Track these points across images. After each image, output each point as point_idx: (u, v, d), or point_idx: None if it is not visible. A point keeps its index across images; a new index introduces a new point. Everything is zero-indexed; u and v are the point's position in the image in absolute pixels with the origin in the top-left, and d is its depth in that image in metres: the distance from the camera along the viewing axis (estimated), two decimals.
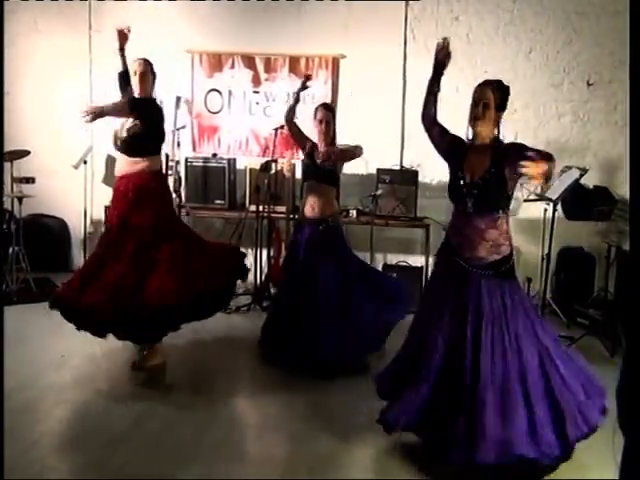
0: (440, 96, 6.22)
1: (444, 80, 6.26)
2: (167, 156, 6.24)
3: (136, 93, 4.24)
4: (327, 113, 4.58)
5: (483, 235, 3.13)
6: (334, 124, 4.68)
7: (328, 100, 6.38)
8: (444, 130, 3.39)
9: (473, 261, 3.13)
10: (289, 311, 4.50)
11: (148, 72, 4.24)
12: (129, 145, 4.19)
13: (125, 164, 4.22)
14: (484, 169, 3.13)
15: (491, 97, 3.17)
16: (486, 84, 3.22)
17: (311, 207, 4.56)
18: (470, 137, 3.28)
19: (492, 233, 3.14)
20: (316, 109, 4.63)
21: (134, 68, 4.22)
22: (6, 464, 2.97)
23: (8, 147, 5.94)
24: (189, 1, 6.58)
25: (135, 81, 4.22)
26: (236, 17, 6.56)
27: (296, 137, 4.77)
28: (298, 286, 4.51)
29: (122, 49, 4.29)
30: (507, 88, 3.26)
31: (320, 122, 4.55)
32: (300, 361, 4.34)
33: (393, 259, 6.44)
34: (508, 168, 3.10)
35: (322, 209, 4.55)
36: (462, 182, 3.14)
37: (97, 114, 3.94)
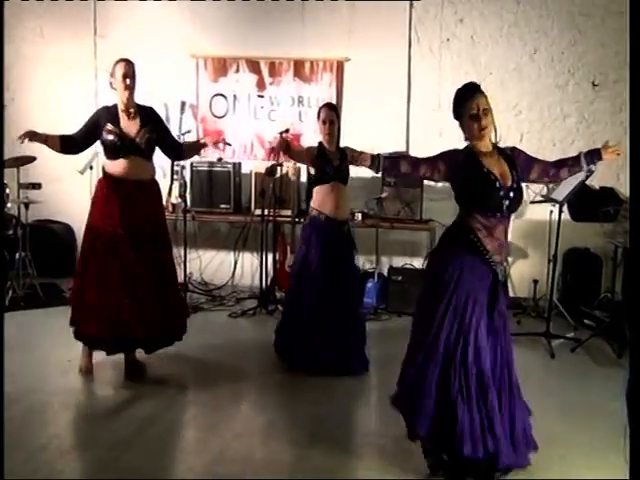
0: (444, 99, 6.30)
1: (448, 84, 6.33)
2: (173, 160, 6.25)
3: (123, 97, 4.11)
4: (331, 112, 4.54)
5: (506, 238, 3.17)
6: (338, 124, 4.66)
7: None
8: (429, 160, 3.16)
9: (499, 265, 3.14)
10: (315, 314, 4.42)
11: (135, 75, 4.12)
12: (147, 148, 4.18)
13: (142, 167, 4.17)
14: (508, 172, 3.13)
15: (487, 102, 3.08)
16: (475, 92, 3.08)
17: (335, 208, 4.48)
18: (465, 146, 3.18)
19: (507, 236, 3.21)
20: (320, 109, 4.61)
21: (119, 70, 4.09)
22: (13, 467, 2.98)
23: (14, 153, 5.95)
24: (193, 6, 6.60)
25: (121, 85, 4.08)
26: (240, 21, 6.58)
27: (301, 158, 4.72)
28: (323, 288, 4.44)
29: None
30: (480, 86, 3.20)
31: (324, 122, 4.50)
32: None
33: (399, 262, 6.42)
34: (520, 170, 3.16)
35: (345, 210, 4.59)
36: (498, 185, 3.07)
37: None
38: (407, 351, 3.22)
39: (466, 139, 3.17)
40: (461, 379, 3.00)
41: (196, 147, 4.52)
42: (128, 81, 4.08)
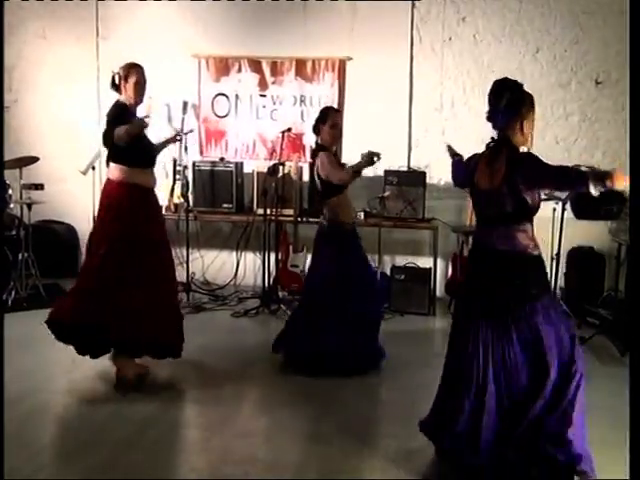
0: (446, 99, 6.30)
1: (450, 82, 6.32)
2: (175, 160, 6.27)
3: (132, 102, 4.11)
4: (340, 116, 4.59)
5: None
6: None
7: (335, 102, 6.39)
8: None
9: None
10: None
11: (145, 82, 4.14)
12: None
13: (150, 175, 4.21)
14: None
15: None
16: None
17: (351, 211, 4.57)
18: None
19: None
20: (327, 113, 4.49)
21: (133, 76, 4.07)
22: (15, 467, 2.99)
23: (17, 154, 5.98)
24: (195, 6, 6.61)
25: (133, 91, 4.07)
26: (242, 21, 6.58)
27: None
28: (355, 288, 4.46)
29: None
30: None
31: (333, 127, 4.43)
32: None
33: (401, 261, 6.42)
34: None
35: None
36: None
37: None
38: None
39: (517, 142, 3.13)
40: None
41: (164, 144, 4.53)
42: (140, 88, 4.12)
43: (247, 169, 6.52)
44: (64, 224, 6.94)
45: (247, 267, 6.72)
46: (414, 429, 3.42)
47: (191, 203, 6.29)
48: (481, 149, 3.24)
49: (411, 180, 6.13)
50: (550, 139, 6.33)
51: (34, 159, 6.00)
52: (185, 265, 6.13)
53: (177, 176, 6.29)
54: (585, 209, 5.87)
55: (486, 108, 3.15)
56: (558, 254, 5.34)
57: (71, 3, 6.76)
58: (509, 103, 3.06)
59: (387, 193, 5.97)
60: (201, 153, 6.77)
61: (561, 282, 5.90)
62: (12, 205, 5.96)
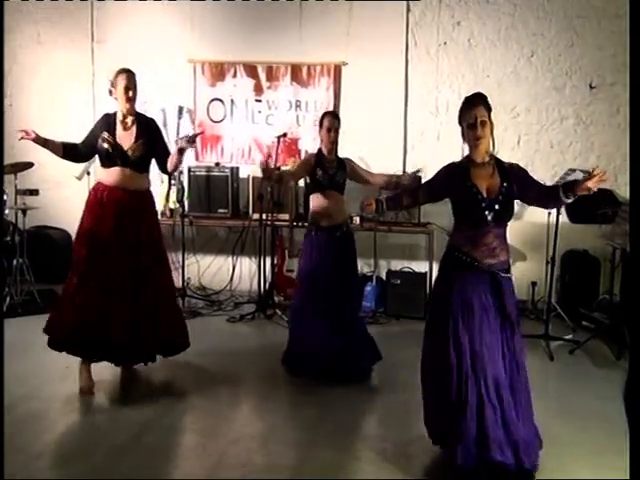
0: (442, 103, 6.30)
1: (445, 87, 6.33)
2: None
3: (123, 108, 4.07)
4: (335, 121, 4.55)
5: (501, 242, 3.21)
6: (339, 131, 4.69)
7: (330, 107, 6.39)
8: (428, 184, 3.41)
9: (497, 266, 3.18)
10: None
11: (136, 86, 4.08)
12: (139, 162, 4.13)
13: (133, 178, 4.11)
14: (497, 184, 3.19)
15: (485, 113, 3.19)
16: (476, 103, 3.20)
17: (327, 215, 4.54)
18: (466, 155, 3.28)
19: (504, 240, 3.25)
20: (323, 117, 4.58)
21: (121, 82, 4.03)
22: (11, 473, 2.97)
23: (12, 159, 5.96)
24: (191, 11, 6.61)
25: (122, 96, 4.03)
26: (238, 26, 6.59)
27: (301, 172, 4.68)
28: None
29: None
30: (487, 98, 3.27)
31: (329, 130, 4.50)
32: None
33: (397, 265, 6.42)
34: (516, 186, 3.20)
35: (338, 216, 4.61)
36: (480, 197, 3.15)
37: None
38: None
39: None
40: (471, 387, 3.05)
41: (176, 153, 4.20)
42: (130, 93, 4.05)
43: (243, 174, 6.52)
44: (59, 230, 6.92)
45: (243, 272, 6.71)
46: (411, 432, 3.42)
47: (186, 208, 6.29)
48: None
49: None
50: (545, 143, 6.35)
51: (29, 164, 5.98)
52: (181, 270, 6.12)
53: (173, 181, 6.28)
54: (580, 213, 5.89)
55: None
56: (553, 258, 5.34)
57: (66, 7, 6.77)
58: (458, 117, 3.30)
59: (382, 197, 5.96)
60: (196, 158, 6.77)
61: (556, 286, 5.91)
62: (7, 211, 5.95)
